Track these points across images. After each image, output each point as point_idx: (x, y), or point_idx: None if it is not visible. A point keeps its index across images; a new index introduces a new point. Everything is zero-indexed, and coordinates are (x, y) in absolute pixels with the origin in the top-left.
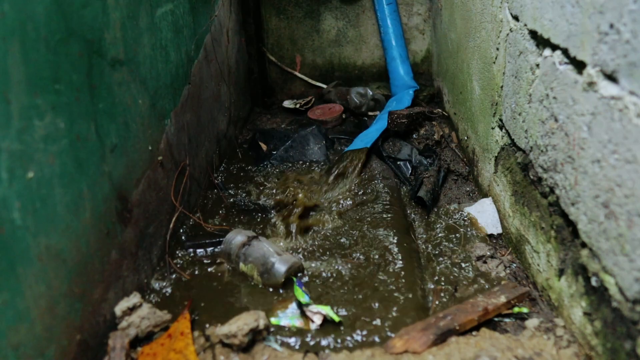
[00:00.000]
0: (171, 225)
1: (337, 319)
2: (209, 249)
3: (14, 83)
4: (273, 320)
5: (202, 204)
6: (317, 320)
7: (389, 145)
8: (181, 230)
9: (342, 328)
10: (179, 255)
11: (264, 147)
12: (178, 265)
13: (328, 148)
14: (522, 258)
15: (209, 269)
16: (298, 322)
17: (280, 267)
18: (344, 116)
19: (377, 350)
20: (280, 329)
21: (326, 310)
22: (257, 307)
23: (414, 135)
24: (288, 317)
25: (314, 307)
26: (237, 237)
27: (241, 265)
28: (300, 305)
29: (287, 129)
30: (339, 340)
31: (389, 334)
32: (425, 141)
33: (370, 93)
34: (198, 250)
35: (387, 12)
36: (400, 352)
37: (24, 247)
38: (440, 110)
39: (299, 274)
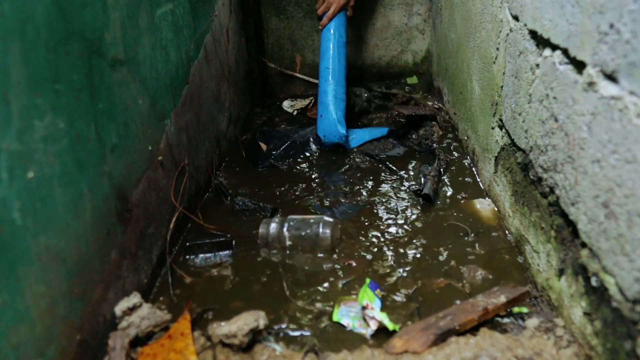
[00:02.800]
0: (171, 225)
1: (391, 327)
2: (209, 250)
3: (14, 83)
4: (334, 316)
5: (202, 204)
6: (373, 325)
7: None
8: (181, 230)
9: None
10: (179, 255)
11: (263, 147)
12: (178, 265)
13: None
14: (522, 258)
15: (210, 269)
16: (358, 324)
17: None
18: None
19: (377, 350)
20: (283, 329)
21: (381, 316)
22: (257, 306)
23: (413, 136)
24: (351, 316)
25: (370, 312)
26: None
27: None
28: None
29: (287, 129)
30: None
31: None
32: (425, 141)
33: (365, 95)
34: (198, 250)
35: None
36: (400, 352)
37: (24, 247)
38: (444, 110)
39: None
